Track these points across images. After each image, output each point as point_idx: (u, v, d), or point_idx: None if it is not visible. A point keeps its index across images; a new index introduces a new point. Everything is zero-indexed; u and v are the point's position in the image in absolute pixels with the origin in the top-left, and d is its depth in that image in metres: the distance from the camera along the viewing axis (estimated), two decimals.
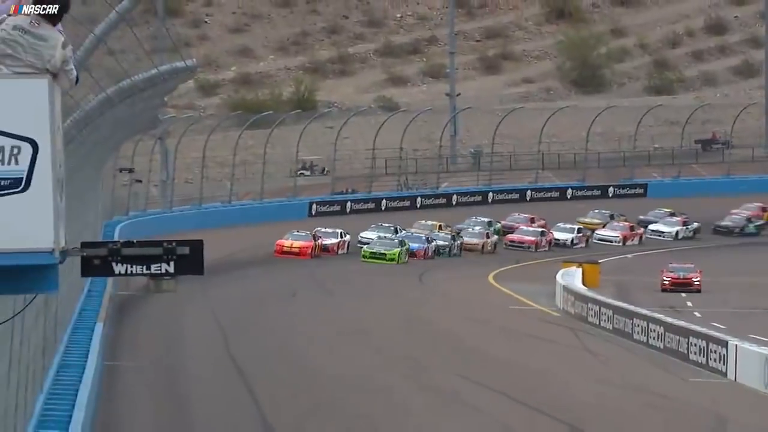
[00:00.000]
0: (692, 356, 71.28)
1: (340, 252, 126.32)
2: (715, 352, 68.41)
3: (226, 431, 51.31)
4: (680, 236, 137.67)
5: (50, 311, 38.75)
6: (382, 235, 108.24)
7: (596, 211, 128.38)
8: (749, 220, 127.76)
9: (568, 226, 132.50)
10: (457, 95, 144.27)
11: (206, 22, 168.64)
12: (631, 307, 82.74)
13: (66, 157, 15.24)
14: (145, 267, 23.89)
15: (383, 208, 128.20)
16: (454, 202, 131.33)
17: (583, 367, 70.29)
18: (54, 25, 14.95)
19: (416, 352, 70.16)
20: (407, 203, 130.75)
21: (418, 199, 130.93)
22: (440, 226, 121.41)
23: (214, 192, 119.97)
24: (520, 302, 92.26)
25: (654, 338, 76.54)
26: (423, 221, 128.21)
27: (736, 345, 67.12)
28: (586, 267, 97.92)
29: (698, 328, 74.51)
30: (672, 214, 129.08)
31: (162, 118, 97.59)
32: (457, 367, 66.88)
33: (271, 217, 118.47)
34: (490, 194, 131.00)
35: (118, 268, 23.25)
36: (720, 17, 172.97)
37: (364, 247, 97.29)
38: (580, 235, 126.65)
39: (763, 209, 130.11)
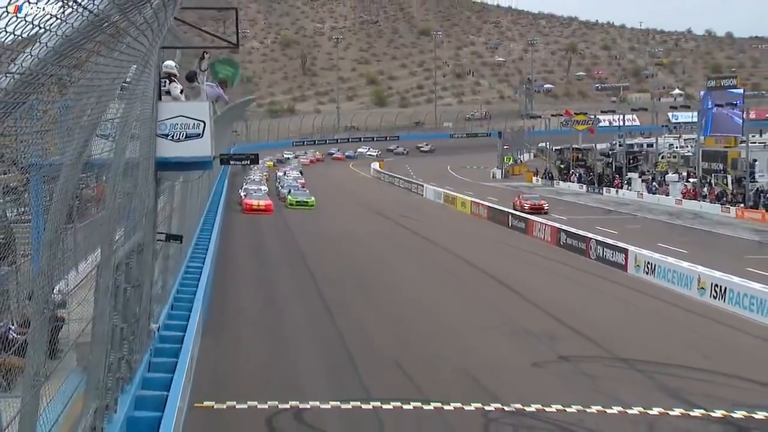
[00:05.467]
0: (412, 190, 70.95)
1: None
2: (419, 188, 68.55)
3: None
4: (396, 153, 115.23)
5: (211, 176, 38.37)
6: (297, 189, 58.53)
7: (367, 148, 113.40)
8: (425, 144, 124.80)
9: (361, 151, 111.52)
10: (339, 107, 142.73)
11: (257, 84, 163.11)
12: (394, 174, 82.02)
13: (215, 127, 15.59)
14: (241, 161, 24.20)
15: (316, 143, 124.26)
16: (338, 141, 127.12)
17: (378, 190, 69.17)
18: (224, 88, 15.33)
19: (328, 189, 69.31)
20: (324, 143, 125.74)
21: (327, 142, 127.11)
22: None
23: (262, 139, 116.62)
24: (359, 173, 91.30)
25: (400, 184, 76.14)
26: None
27: (425, 185, 67.37)
28: (380, 162, 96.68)
29: (416, 180, 74.19)
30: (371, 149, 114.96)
31: (245, 115, 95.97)
32: (340, 194, 66.91)
33: (282, 146, 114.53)
34: (351, 140, 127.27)
35: (232, 161, 23.53)
36: (425, 84, 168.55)
37: (288, 197, 55.85)
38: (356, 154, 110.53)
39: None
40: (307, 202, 52.58)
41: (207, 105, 13.68)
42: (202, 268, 21.59)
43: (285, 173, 71.46)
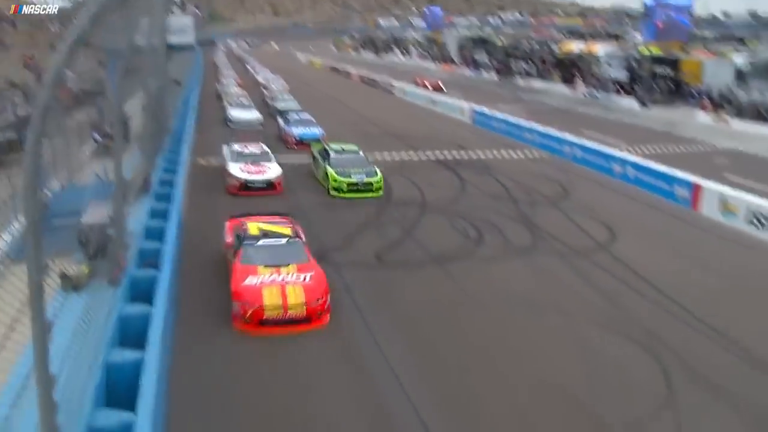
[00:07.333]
0: (296, 59, 64.25)
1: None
2: (297, 57, 60.55)
3: None
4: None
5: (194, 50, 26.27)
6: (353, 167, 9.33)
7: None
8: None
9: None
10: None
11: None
12: (291, 51, 70.51)
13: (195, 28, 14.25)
14: (206, 45, 21.66)
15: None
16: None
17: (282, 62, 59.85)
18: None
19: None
20: None
21: None
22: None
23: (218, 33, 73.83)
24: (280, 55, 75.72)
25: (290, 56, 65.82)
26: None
27: (298, 54, 56.46)
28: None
29: (296, 53, 58.77)
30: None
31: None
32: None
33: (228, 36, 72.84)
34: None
35: (202, 45, 21.30)
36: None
37: (332, 173, 8.92)
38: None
39: None
40: (371, 184, 11.01)
41: (191, 18, 14.70)
42: (189, 104, 20.41)
43: (268, 82, 28.14)
